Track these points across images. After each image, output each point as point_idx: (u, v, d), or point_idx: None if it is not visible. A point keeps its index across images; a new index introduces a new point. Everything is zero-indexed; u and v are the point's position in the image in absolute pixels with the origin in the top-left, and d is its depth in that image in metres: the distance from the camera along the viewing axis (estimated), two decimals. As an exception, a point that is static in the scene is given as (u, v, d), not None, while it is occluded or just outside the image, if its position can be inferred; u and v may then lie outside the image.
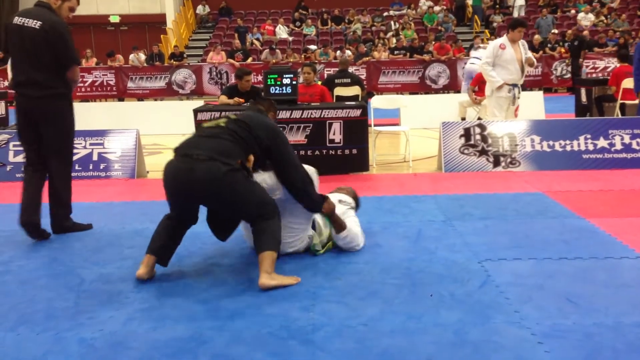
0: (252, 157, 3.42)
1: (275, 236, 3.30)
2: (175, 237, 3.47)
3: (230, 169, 3.21)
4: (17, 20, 4.09)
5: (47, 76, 4.09)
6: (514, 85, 6.92)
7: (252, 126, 3.43)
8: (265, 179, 3.51)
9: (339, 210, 3.82)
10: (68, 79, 4.17)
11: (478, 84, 9.88)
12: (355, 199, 4.21)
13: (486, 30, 19.73)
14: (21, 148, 4.48)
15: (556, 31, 17.91)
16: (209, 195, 3.27)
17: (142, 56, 17.78)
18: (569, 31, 17.73)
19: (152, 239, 3.43)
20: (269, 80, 6.40)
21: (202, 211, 3.51)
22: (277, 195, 3.51)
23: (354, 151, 6.33)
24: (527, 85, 15.47)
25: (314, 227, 3.76)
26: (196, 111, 6.28)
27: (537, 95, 10.67)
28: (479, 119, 9.05)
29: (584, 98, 9.83)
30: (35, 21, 4.04)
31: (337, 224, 3.71)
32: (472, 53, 13.72)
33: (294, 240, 3.68)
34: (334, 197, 3.98)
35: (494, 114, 6.97)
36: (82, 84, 17.43)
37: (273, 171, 3.55)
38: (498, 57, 6.89)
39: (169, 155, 3.41)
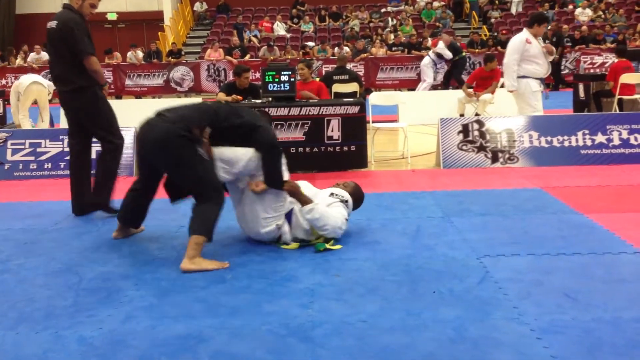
0: (207, 130, 3.58)
1: (208, 221, 3.47)
2: (136, 205, 3.97)
3: (183, 134, 3.46)
4: (48, 23, 4.54)
5: (69, 72, 4.46)
6: (541, 79, 6.90)
7: (237, 109, 3.72)
8: (223, 151, 3.64)
9: (325, 201, 3.82)
10: (89, 71, 4.46)
11: (475, 80, 9.89)
12: (356, 195, 4.13)
13: (484, 26, 19.72)
14: (19, 147, 4.65)
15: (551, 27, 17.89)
16: (156, 153, 3.57)
17: (140, 54, 17.75)
18: (566, 26, 17.72)
19: (120, 208, 4.04)
20: (267, 77, 6.39)
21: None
22: (237, 169, 3.63)
23: (352, 148, 6.33)
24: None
25: (290, 221, 3.77)
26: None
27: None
28: (477, 115, 9.07)
29: (582, 93, 9.83)
30: (54, 22, 4.46)
31: (302, 201, 3.72)
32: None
33: (257, 226, 3.76)
34: (326, 191, 4.00)
35: (532, 109, 6.78)
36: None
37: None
38: (526, 52, 6.73)
39: None
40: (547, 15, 7.25)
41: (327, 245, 3.73)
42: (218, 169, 3.64)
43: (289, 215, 3.80)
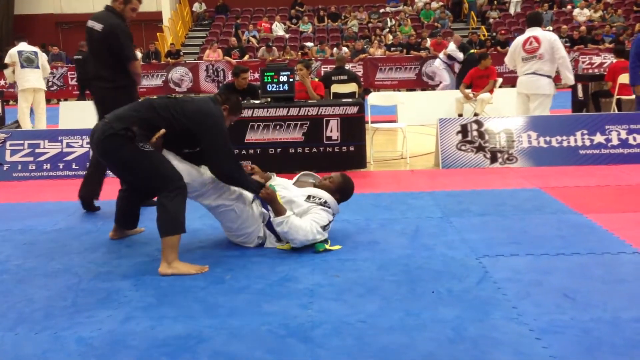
0: (162, 131, 3.46)
1: (174, 218, 3.38)
2: (126, 207, 4.00)
3: (117, 133, 3.37)
4: (89, 23, 4.67)
5: (110, 71, 4.63)
6: None
7: (180, 106, 3.54)
8: (171, 159, 3.53)
9: (301, 207, 3.75)
10: (131, 73, 4.68)
11: (472, 80, 9.89)
12: (342, 188, 4.00)
13: (482, 27, 19.74)
14: (18, 147, 4.65)
15: (551, 28, 17.91)
16: (101, 156, 3.54)
17: (139, 54, 17.73)
18: (565, 27, 17.74)
19: (115, 210, 4.06)
20: (265, 77, 6.40)
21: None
22: (189, 188, 3.51)
23: (351, 148, 6.33)
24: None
25: (271, 227, 3.75)
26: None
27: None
28: (476, 114, 9.07)
29: (580, 94, 9.84)
30: (99, 24, 4.59)
31: (276, 210, 3.66)
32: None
33: (236, 237, 3.79)
34: (303, 191, 3.89)
35: (547, 111, 6.73)
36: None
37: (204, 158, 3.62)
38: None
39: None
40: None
41: (327, 246, 3.73)
42: None
43: (270, 223, 3.76)
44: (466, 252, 3.63)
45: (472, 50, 14.44)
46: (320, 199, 3.84)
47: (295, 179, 4.17)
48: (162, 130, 3.46)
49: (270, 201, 3.67)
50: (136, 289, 3.20)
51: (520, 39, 6.87)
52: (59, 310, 2.94)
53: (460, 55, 13.61)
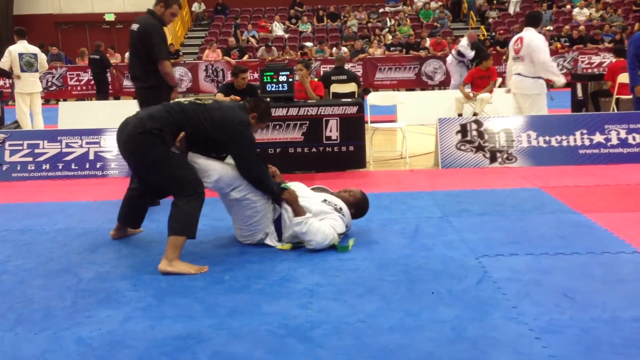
0: (182, 134, 3.54)
1: (188, 218, 3.43)
2: (134, 205, 4.01)
3: (145, 131, 3.43)
4: (132, 25, 4.92)
5: (143, 71, 4.83)
6: None
7: (209, 113, 3.61)
8: (196, 160, 3.61)
9: (317, 208, 3.78)
10: (161, 73, 4.80)
11: (473, 80, 9.90)
12: (359, 205, 4.04)
13: (482, 26, 19.74)
14: (17, 148, 4.66)
15: (551, 28, 17.93)
16: (128, 153, 3.56)
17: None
18: (565, 26, 17.74)
19: (120, 208, 4.07)
20: (265, 77, 6.39)
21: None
22: (207, 184, 3.59)
23: (351, 148, 6.33)
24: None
25: (278, 226, 3.78)
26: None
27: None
28: (475, 114, 9.07)
29: (579, 93, 9.84)
30: (137, 25, 4.86)
31: (295, 211, 3.71)
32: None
33: (245, 231, 3.81)
34: (319, 195, 3.93)
35: (542, 111, 6.73)
36: (77, 83, 17.38)
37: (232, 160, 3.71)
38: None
39: None
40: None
41: (350, 244, 3.76)
42: None
43: (277, 220, 3.80)
44: (466, 252, 3.63)
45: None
46: (336, 205, 3.88)
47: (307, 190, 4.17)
48: (182, 133, 3.53)
49: (291, 202, 3.71)
50: (136, 289, 3.20)
51: (513, 39, 6.96)
52: (58, 310, 2.94)
53: (470, 53, 12.85)
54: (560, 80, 6.75)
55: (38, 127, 9.17)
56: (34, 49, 9.36)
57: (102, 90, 14.93)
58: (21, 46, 9.16)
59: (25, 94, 9.19)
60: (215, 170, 3.62)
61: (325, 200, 3.88)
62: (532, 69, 6.64)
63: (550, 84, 6.81)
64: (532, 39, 6.63)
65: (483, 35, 18.59)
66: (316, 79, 8.78)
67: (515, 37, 6.91)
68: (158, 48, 4.76)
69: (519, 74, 6.73)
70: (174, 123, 3.53)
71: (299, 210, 3.70)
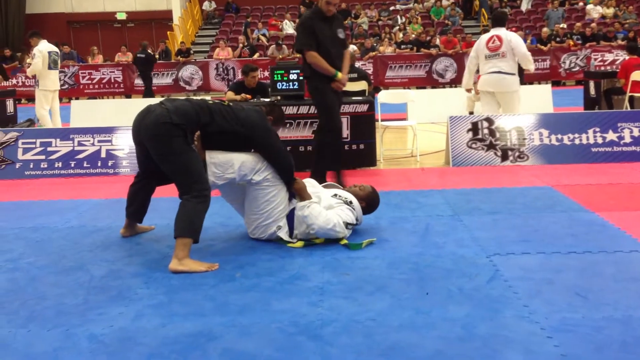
0: (197, 133, 3.66)
1: (193, 221, 3.48)
2: (139, 199, 4.07)
3: (176, 123, 3.49)
4: None
5: (304, 64, 5.15)
6: None
7: (234, 113, 3.74)
8: (215, 155, 3.69)
9: (327, 201, 3.84)
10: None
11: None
12: (369, 200, 4.06)
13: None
14: (30, 146, 4.67)
15: (564, 25, 17.80)
16: (149, 138, 3.58)
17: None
18: (577, 24, 17.62)
19: (126, 203, 4.13)
20: (275, 76, 6.40)
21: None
22: (230, 174, 3.66)
23: (361, 146, 6.32)
24: (535, 79, 15.39)
25: (291, 221, 3.80)
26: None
27: (545, 89, 10.61)
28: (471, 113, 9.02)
29: (592, 91, 9.77)
30: None
31: (303, 198, 3.77)
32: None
33: (258, 221, 3.83)
34: (330, 190, 4.02)
35: (518, 108, 6.83)
36: (89, 82, 17.49)
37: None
38: None
39: None
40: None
41: (363, 243, 3.76)
42: (209, 175, 3.64)
43: (290, 215, 3.82)
44: (476, 251, 3.62)
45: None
46: (346, 198, 3.92)
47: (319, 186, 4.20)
48: (198, 132, 3.64)
49: (301, 190, 3.77)
50: (147, 286, 3.22)
51: (483, 38, 7.00)
52: (70, 307, 2.96)
53: None
54: (531, 68, 6.95)
55: (57, 125, 9.25)
56: (55, 47, 9.46)
57: (148, 86, 15.90)
58: (47, 45, 9.24)
59: (50, 91, 9.27)
60: (236, 158, 3.70)
61: (335, 195, 3.93)
62: (513, 64, 6.73)
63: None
64: (510, 35, 6.82)
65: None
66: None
67: (487, 36, 6.94)
68: (298, 39, 5.12)
69: (499, 71, 6.75)
70: (197, 121, 3.61)
71: (305, 197, 3.76)
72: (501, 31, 6.84)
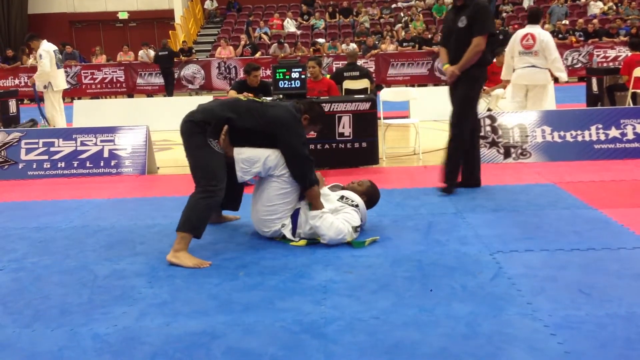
0: (225, 128, 3.74)
1: (196, 218, 3.56)
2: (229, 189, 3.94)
3: (191, 120, 3.73)
4: None
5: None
6: None
7: (263, 110, 3.82)
8: (242, 151, 3.78)
9: (334, 205, 3.85)
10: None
11: (488, 76, 9.81)
12: (370, 194, 4.12)
13: (496, 21, 19.59)
14: (32, 146, 4.63)
15: (567, 22, 17.75)
16: (181, 134, 3.79)
17: (152, 52, 17.82)
18: (580, 20, 17.57)
19: None
20: (277, 74, 6.39)
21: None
22: (257, 168, 3.75)
23: (364, 144, 6.32)
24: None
25: (295, 220, 3.81)
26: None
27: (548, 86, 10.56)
28: (489, 110, 9.00)
29: (595, 87, 9.74)
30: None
31: (315, 206, 3.79)
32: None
33: (262, 226, 3.87)
34: (337, 193, 4.01)
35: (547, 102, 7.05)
36: (91, 81, 17.51)
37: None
38: None
39: (180, 151, 3.48)
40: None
41: (366, 242, 3.77)
42: (237, 170, 3.74)
43: (295, 215, 3.83)
44: (480, 248, 3.61)
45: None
46: (352, 201, 3.94)
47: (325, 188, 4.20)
48: (226, 127, 3.73)
49: (313, 197, 3.78)
50: (151, 285, 3.22)
51: (519, 34, 7.24)
52: (74, 307, 2.97)
53: None
54: (564, 77, 7.15)
55: (62, 125, 9.27)
56: (55, 47, 9.48)
57: (170, 83, 16.09)
58: (50, 44, 9.25)
59: (59, 91, 9.29)
60: (262, 153, 3.76)
61: (342, 198, 3.94)
62: (544, 62, 7.03)
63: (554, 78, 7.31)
64: (543, 36, 7.08)
65: (497, 29, 18.46)
66: (328, 76, 8.77)
67: (522, 33, 7.19)
68: (487, 23, 5.11)
69: (533, 65, 7.05)
70: (221, 116, 3.73)
71: (317, 206, 3.78)
72: (535, 29, 7.09)
